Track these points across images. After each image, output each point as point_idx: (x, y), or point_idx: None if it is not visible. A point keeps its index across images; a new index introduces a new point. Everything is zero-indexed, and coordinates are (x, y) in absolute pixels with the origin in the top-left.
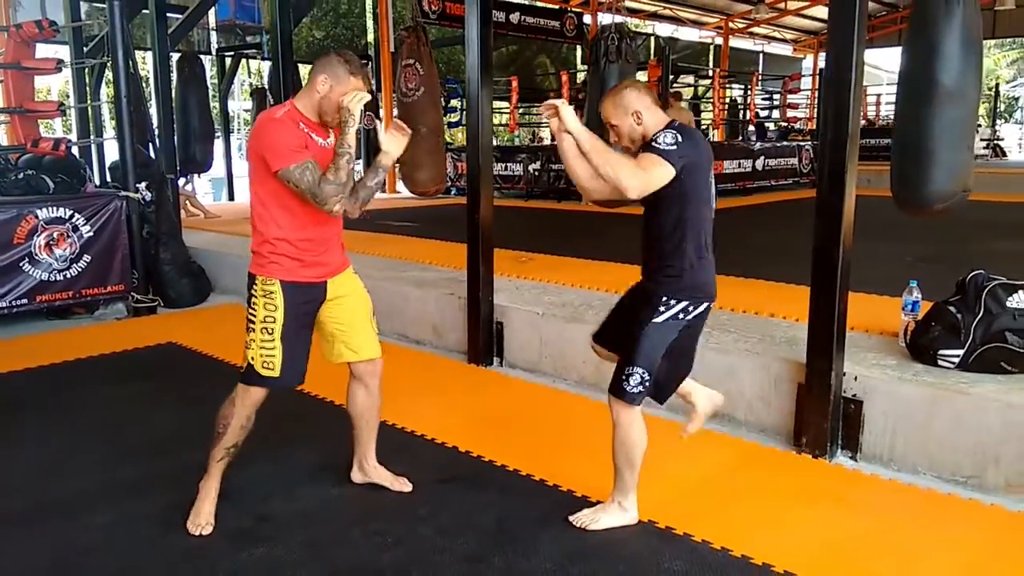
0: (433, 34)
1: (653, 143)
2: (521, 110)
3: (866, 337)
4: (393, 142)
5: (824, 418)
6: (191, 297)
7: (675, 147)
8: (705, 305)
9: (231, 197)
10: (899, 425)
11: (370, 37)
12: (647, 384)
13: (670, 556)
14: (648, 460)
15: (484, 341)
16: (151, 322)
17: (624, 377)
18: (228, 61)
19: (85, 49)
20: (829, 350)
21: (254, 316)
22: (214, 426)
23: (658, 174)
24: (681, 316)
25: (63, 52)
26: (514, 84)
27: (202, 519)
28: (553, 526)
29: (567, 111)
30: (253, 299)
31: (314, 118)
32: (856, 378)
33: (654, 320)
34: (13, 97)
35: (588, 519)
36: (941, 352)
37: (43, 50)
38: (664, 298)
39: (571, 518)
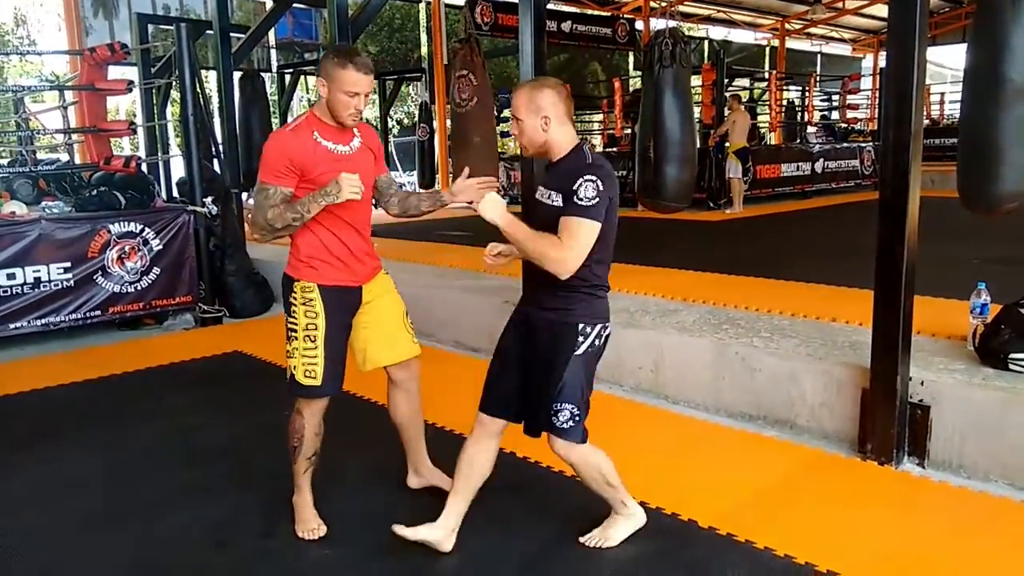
0: (485, 45)
1: (576, 200)
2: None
3: (933, 341)
4: (489, 208)
5: (890, 424)
6: (255, 307)
7: (597, 199)
8: (610, 327)
9: None
10: (969, 431)
11: (423, 50)
12: (577, 419)
13: (732, 564)
14: (709, 467)
15: None
16: (217, 332)
17: (552, 415)
18: (287, 78)
19: (152, 70)
20: (894, 354)
21: (295, 324)
22: (288, 441)
23: (587, 239)
24: (597, 343)
25: (131, 73)
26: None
27: (311, 525)
28: None
29: (484, 205)
30: (293, 307)
31: (332, 123)
32: (923, 383)
33: (576, 353)
34: (87, 117)
35: (600, 538)
36: (1012, 356)
37: (113, 71)
38: (581, 326)
39: (582, 539)
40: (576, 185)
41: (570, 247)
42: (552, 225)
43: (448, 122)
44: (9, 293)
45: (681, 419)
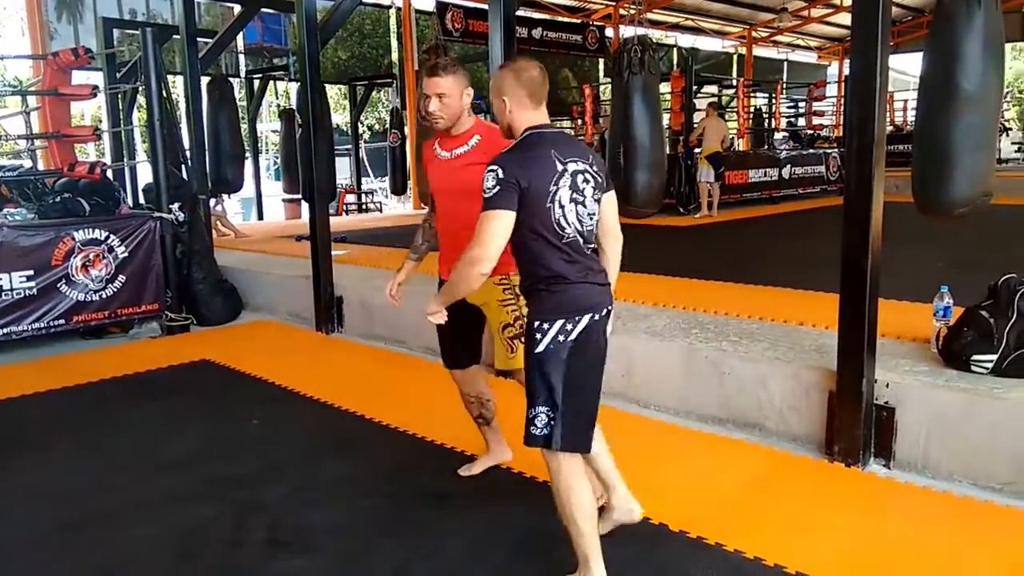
0: (456, 51)
1: (482, 192)
2: None
3: (898, 344)
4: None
5: (856, 426)
6: (224, 315)
7: (498, 187)
8: (588, 317)
9: (260, 216)
10: (933, 432)
11: (394, 56)
12: (552, 423)
13: (703, 566)
14: (680, 471)
15: None
16: (185, 340)
17: (529, 423)
18: (256, 83)
19: (118, 75)
20: (860, 357)
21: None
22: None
23: (494, 229)
24: (563, 339)
25: (96, 78)
26: (588, 92)
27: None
28: None
29: (431, 305)
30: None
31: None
32: (888, 385)
33: (536, 351)
34: (51, 123)
35: None
36: (974, 357)
37: (78, 76)
38: (536, 323)
39: None
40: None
41: (477, 244)
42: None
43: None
44: None
45: (651, 423)
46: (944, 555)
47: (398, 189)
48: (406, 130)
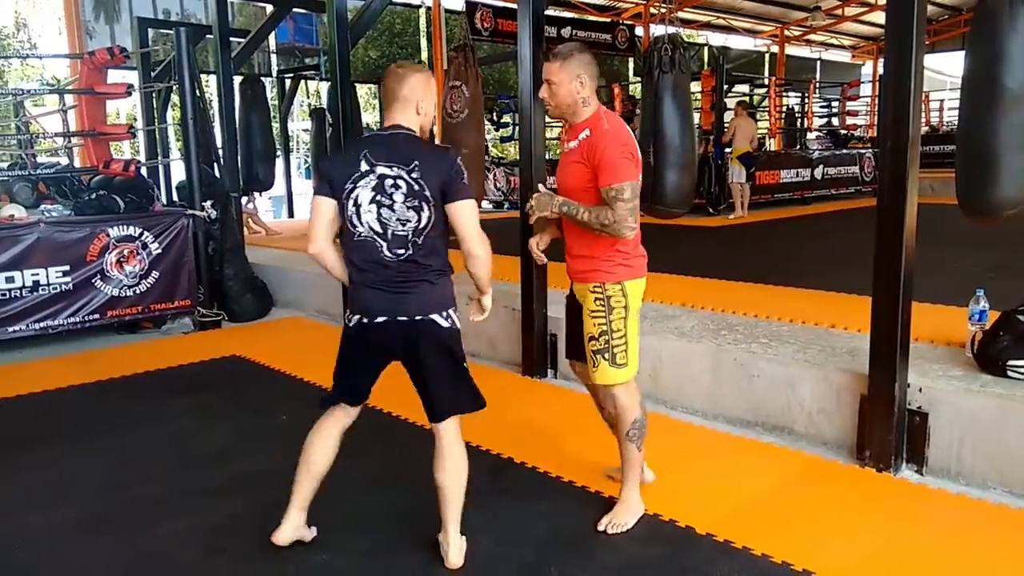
0: (485, 51)
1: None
2: None
3: (931, 348)
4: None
5: (888, 431)
6: (254, 311)
7: (318, 177)
8: (357, 319)
9: (291, 215)
10: (967, 438)
11: (424, 55)
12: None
13: (729, 570)
14: (707, 473)
15: (538, 353)
16: (216, 336)
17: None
18: (288, 83)
19: (152, 74)
20: (892, 361)
21: None
22: (614, 424)
23: (315, 213)
24: (348, 324)
25: (131, 77)
26: (616, 92)
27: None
28: (611, 537)
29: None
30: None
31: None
32: (921, 390)
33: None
34: (86, 121)
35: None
36: (1010, 363)
37: (114, 75)
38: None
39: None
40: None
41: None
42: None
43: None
44: (7, 296)
45: (679, 425)
46: (977, 563)
47: None
48: (435, 129)
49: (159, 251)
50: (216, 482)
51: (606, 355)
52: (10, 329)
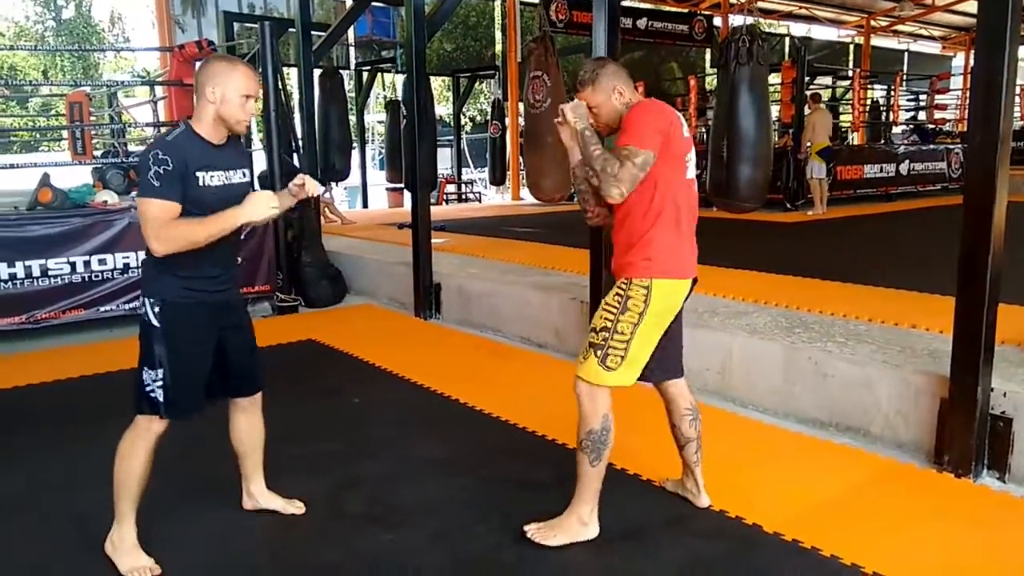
0: (560, 43)
1: None
2: None
3: (1017, 351)
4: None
5: (969, 435)
6: (329, 298)
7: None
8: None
9: (365, 204)
10: None
11: (498, 48)
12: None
13: (796, 570)
14: (776, 472)
15: None
16: (293, 320)
17: None
18: (365, 75)
19: None
20: (975, 364)
21: None
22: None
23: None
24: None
25: None
26: (640, 90)
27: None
28: (675, 531)
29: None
30: None
31: None
32: (1005, 394)
33: None
34: (176, 111)
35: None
36: None
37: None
38: None
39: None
40: None
41: None
42: None
43: (521, 120)
44: (100, 278)
45: (748, 423)
46: None
47: (497, 180)
48: (507, 121)
49: (241, 237)
50: (288, 461)
51: (598, 352)
52: (102, 309)
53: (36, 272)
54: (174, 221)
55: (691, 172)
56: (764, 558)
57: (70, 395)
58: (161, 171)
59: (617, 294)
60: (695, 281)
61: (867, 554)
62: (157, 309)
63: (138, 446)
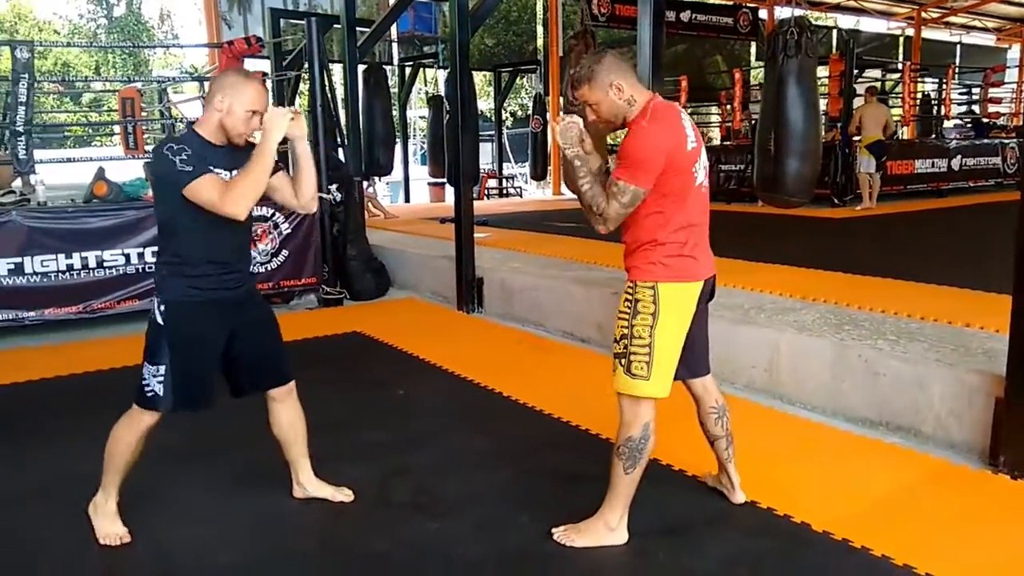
0: (601, 36)
1: None
2: (689, 110)
3: None
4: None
5: None
6: (373, 291)
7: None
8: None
9: (407, 199)
10: None
11: (539, 42)
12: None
13: (846, 569)
14: (825, 471)
15: None
16: (338, 313)
17: None
18: (407, 71)
19: (284, 63)
20: None
21: None
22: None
23: None
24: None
25: (262, 65)
26: (683, 84)
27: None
28: (720, 527)
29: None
30: None
31: None
32: None
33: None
34: None
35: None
36: None
37: (247, 64)
38: None
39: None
40: None
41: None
42: None
43: (561, 115)
44: (153, 269)
45: (796, 420)
46: None
47: (538, 175)
48: (548, 116)
49: (289, 231)
50: (336, 450)
51: (623, 361)
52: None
53: (92, 263)
54: (225, 184)
55: (700, 177)
56: (813, 557)
57: (126, 382)
58: (184, 156)
59: (626, 299)
60: (714, 279)
61: (919, 555)
62: (163, 308)
63: (129, 431)
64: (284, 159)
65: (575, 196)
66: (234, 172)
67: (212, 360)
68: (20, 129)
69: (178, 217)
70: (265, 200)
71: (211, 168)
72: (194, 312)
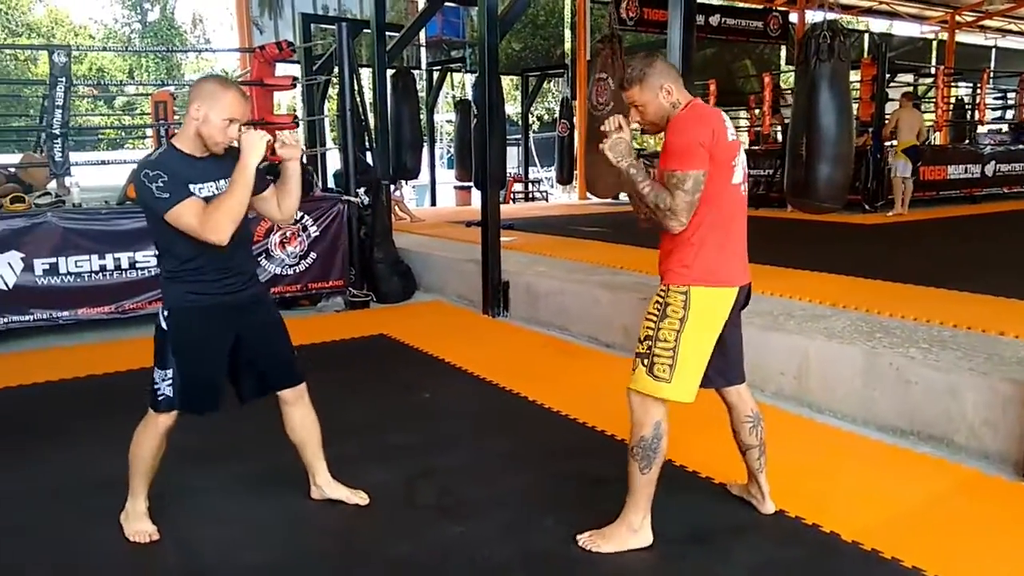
0: (628, 40)
1: None
2: None
3: None
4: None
5: None
6: (400, 294)
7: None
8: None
9: (433, 202)
10: None
11: (567, 46)
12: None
13: None
14: (855, 480)
15: None
16: (365, 315)
17: None
18: (434, 75)
19: (313, 68)
20: None
21: None
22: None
23: None
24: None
25: (293, 70)
26: (711, 88)
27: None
28: (748, 535)
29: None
30: None
31: None
32: None
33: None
34: (256, 111)
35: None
36: None
37: (278, 68)
38: None
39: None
40: None
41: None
42: None
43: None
44: None
45: (826, 429)
46: None
47: (564, 179)
48: (575, 120)
49: (317, 234)
50: (361, 452)
51: (645, 361)
52: None
53: (124, 264)
54: (205, 209)
55: (738, 176)
56: (842, 566)
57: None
58: (160, 184)
59: (656, 302)
60: (749, 287)
61: (951, 567)
62: (166, 314)
63: (148, 435)
64: (274, 172)
65: (630, 204)
66: (220, 181)
67: (217, 363)
68: (56, 132)
69: (169, 233)
70: (249, 208)
71: (190, 188)
72: (196, 317)
